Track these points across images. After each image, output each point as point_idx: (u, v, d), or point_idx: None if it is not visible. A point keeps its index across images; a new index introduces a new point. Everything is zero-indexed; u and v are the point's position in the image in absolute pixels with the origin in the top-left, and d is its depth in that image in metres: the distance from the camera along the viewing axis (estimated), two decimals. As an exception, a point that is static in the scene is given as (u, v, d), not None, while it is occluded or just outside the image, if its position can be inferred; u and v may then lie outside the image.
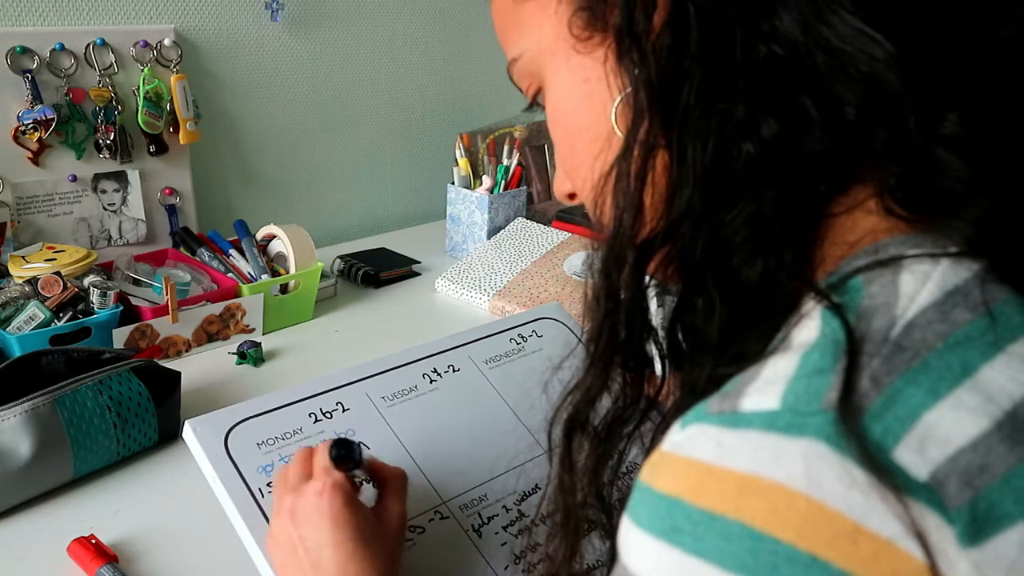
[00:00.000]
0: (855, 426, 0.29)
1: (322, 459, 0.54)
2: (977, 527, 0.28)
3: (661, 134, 0.38)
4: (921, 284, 0.32)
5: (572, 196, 0.50)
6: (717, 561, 0.29)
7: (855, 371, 0.30)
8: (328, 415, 0.65)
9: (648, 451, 0.47)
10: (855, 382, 0.30)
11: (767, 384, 0.31)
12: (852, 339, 0.31)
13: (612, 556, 0.48)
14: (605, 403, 0.45)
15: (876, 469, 0.28)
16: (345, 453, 0.53)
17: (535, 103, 0.48)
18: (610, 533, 0.47)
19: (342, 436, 0.55)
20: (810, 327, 0.33)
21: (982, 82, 0.35)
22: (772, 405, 0.30)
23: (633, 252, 0.40)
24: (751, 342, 0.37)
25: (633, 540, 0.32)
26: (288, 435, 0.62)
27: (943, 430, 0.29)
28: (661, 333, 0.43)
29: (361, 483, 0.57)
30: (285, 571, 0.53)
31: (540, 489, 0.67)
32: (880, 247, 0.35)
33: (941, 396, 0.29)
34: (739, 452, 0.30)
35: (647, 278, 0.41)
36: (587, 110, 0.43)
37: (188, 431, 0.60)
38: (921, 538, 0.27)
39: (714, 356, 0.40)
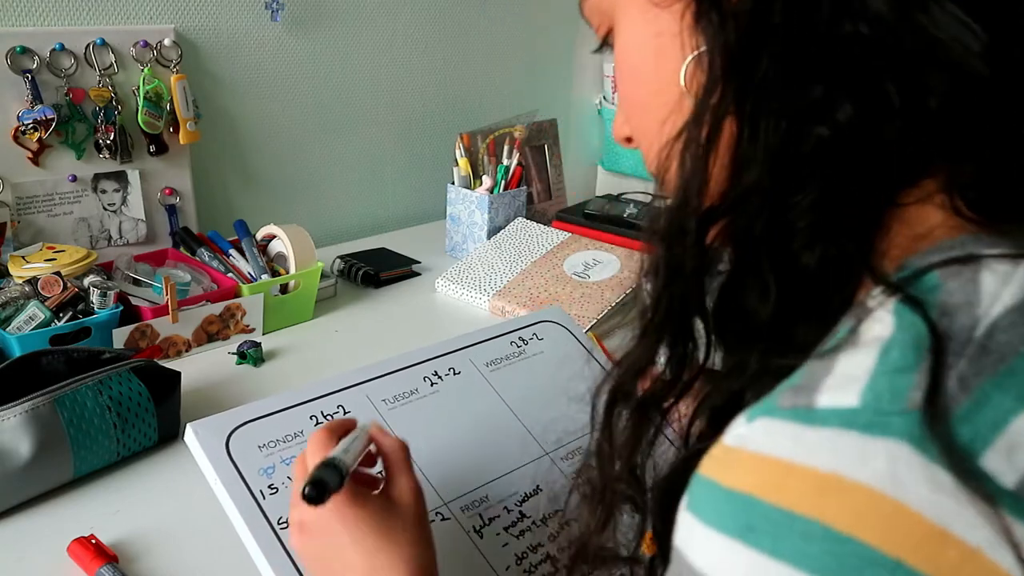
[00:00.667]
0: (942, 429, 0.28)
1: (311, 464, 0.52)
2: None
3: (733, 104, 0.36)
4: (1002, 284, 0.31)
5: (629, 140, 0.48)
6: (797, 563, 0.28)
7: (941, 371, 0.29)
8: (329, 417, 0.65)
9: (688, 429, 0.46)
10: (941, 382, 0.29)
11: (845, 380, 0.30)
12: (936, 337, 0.30)
13: (640, 532, 0.47)
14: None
15: (964, 474, 0.27)
16: (316, 495, 0.47)
17: (605, 43, 0.46)
18: (639, 508, 0.46)
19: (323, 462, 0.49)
20: (883, 321, 0.32)
21: None
22: (851, 402, 0.29)
23: (695, 222, 0.38)
24: (804, 331, 0.36)
25: (699, 538, 0.30)
26: (289, 437, 0.63)
27: None
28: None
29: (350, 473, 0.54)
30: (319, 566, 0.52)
31: (541, 490, 0.68)
32: (955, 244, 0.34)
33: None
34: (818, 450, 0.29)
35: (707, 250, 0.39)
36: (657, 65, 0.41)
37: (190, 434, 0.60)
38: (1015, 548, 0.26)
39: (764, 341, 0.39)
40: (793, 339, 0.36)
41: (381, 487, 0.54)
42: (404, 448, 0.55)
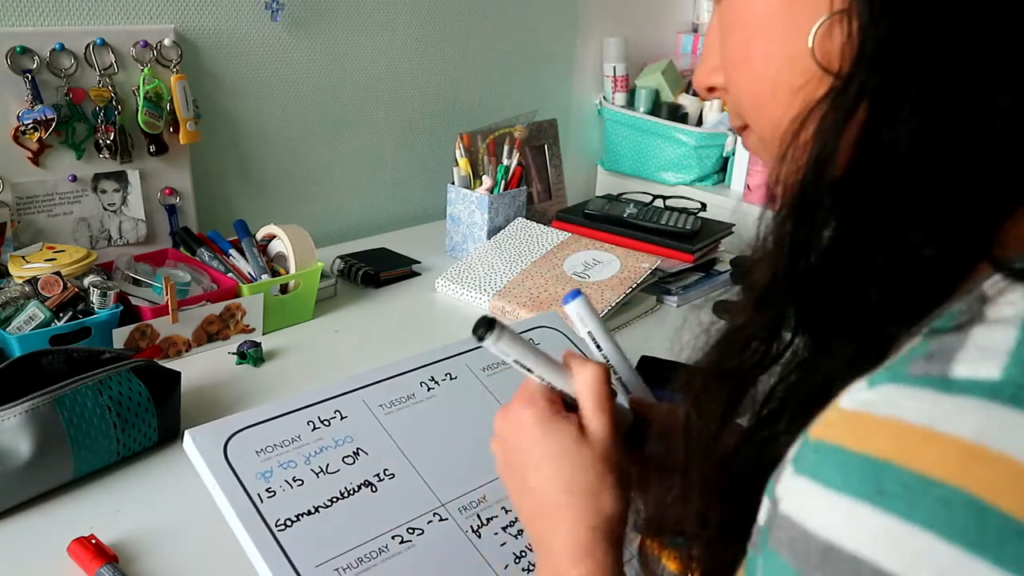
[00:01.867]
0: None
1: (528, 384, 0.54)
2: None
3: (882, 85, 0.34)
4: None
5: (712, 90, 0.46)
6: (934, 528, 0.27)
7: None
8: (326, 423, 0.66)
9: (760, 410, 0.44)
10: None
11: (983, 353, 0.29)
12: None
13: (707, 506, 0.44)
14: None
15: None
16: (483, 331, 0.50)
17: None
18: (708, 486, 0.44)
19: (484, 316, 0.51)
20: (1015, 304, 0.31)
21: None
22: (992, 375, 0.29)
23: (828, 198, 0.36)
24: (904, 318, 0.35)
25: (821, 503, 0.29)
26: (287, 443, 0.63)
27: None
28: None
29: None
30: (509, 486, 0.54)
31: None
32: None
33: None
34: (960, 418, 0.28)
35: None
36: (784, 21, 0.38)
37: (188, 441, 0.61)
38: None
39: (863, 325, 0.37)
40: (891, 325, 0.35)
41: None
42: (602, 379, 0.53)
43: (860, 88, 0.35)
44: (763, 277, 0.39)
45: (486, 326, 0.50)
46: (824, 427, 0.31)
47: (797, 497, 0.30)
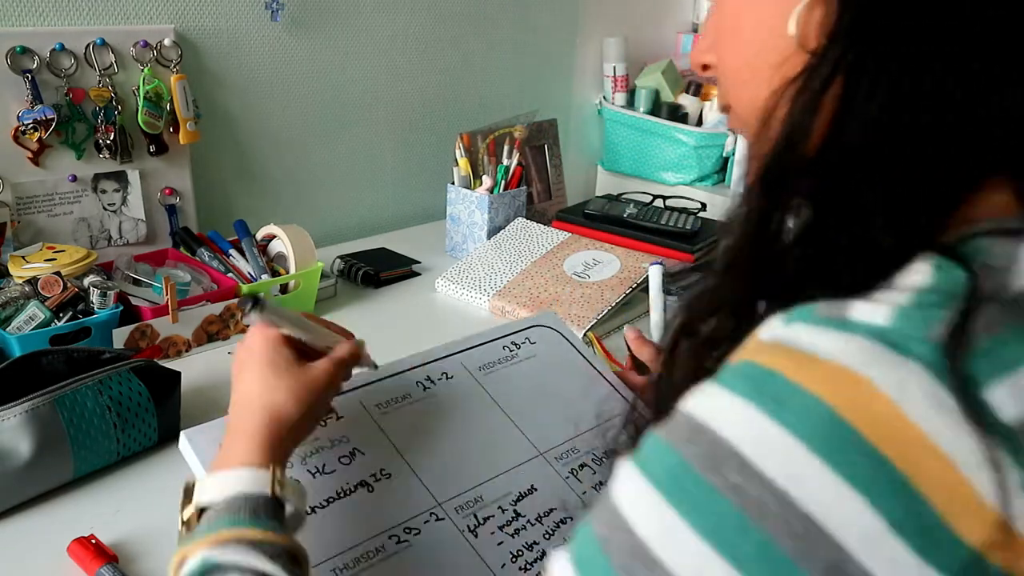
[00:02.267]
0: (957, 360, 0.30)
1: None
2: None
3: (854, 63, 0.36)
4: None
5: (706, 68, 0.48)
6: (791, 427, 0.31)
7: (970, 313, 0.32)
8: (322, 423, 0.66)
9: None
10: (967, 323, 0.31)
11: (879, 304, 0.33)
12: (973, 285, 0.33)
13: None
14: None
15: (966, 401, 0.30)
16: (252, 305, 0.59)
17: None
18: None
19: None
20: (922, 272, 0.35)
21: None
22: (882, 322, 0.32)
23: (797, 173, 0.39)
24: (852, 285, 0.37)
25: (710, 395, 0.33)
26: None
27: None
28: None
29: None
30: (232, 383, 0.61)
31: (536, 490, 0.68)
32: (1004, 221, 0.36)
33: None
34: (842, 350, 0.32)
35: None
36: (768, 2, 0.41)
37: (183, 441, 0.61)
38: (996, 473, 0.29)
39: (816, 287, 0.39)
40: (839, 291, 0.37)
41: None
42: (351, 350, 0.63)
43: (834, 64, 0.37)
44: (733, 245, 0.42)
45: (252, 303, 0.58)
46: (740, 352, 0.35)
47: (694, 396, 0.35)
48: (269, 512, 0.50)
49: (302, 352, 0.61)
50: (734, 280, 0.43)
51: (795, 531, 0.30)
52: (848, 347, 0.32)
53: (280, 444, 0.55)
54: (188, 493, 0.53)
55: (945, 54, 0.35)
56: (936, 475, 0.29)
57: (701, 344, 0.45)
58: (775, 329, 0.35)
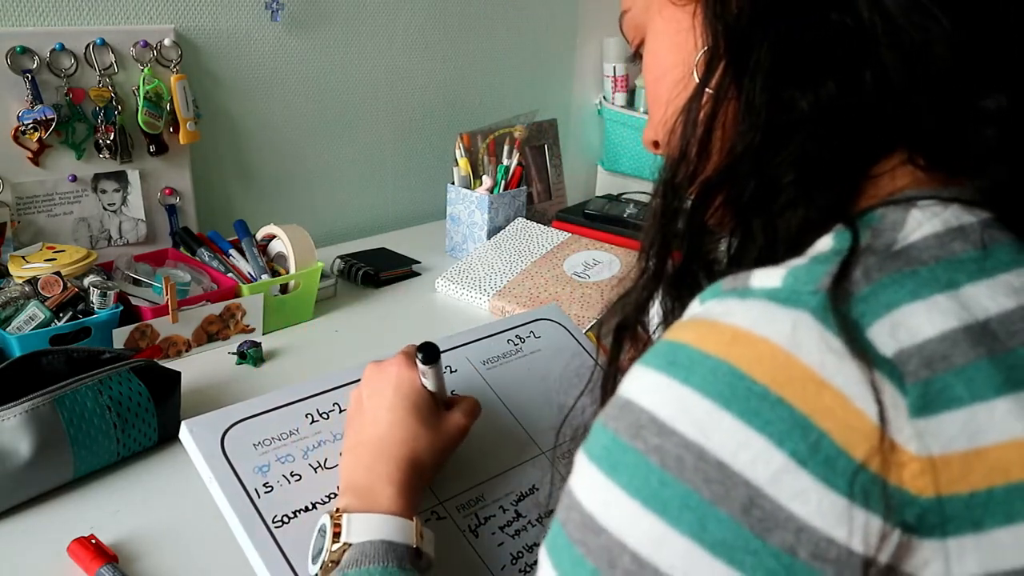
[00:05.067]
0: (840, 305, 0.34)
1: (408, 349, 0.63)
2: (927, 402, 0.33)
3: (732, 80, 0.42)
4: (928, 219, 0.38)
5: (656, 145, 0.53)
6: (701, 389, 0.34)
7: (851, 265, 0.36)
8: (325, 416, 0.66)
9: None
10: (849, 272, 0.35)
11: (775, 269, 0.37)
12: (856, 241, 0.37)
13: None
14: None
15: (850, 340, 0.33)
16: (425, 356, 0.60)
17: (638, 54, 0.53)
18: None
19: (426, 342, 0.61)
20: (824, 241, 0.39)
21: None
22: (775, 284, 0.36)
23: (692, 183, 0.45)
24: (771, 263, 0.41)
25: (635, 375, 0.37)
26: (284, 436, 0.63)
27: (915, 322, 0.34)
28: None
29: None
30: (350, 423, 0.62)
31: (537, 489, 0.68)
32: (902, 194, 0.40)
33: (920, 297, 0.35)
34: (741, 314, 0.35)
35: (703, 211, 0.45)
36: (673, 57, 0.48)
37: (184, 432, 0.60)
38: (878, 402, 0.32)
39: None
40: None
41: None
42: (477, 405, 0.65)
43: (705, 85, 0.43)
44: (644, 244, 0.48)
45: (428, 353, 0.60)
46: (665, 333, 0.39)
47: (625, 379, 0.38)
48: (412, 562, 0.54)
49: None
50: (649, 280, 0.48)
51: (711, 477, 0.33)
52: (745, 310, 0.35)
53: (418, 493, 0.59)
54: (331, 524, 0.55)
55: (812, 43, 0.40)
56: (832, 409, 0.32)
57: (646, 343, 0.49)
58: (692, 309, 0.39)
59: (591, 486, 0.36)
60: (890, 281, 0.35)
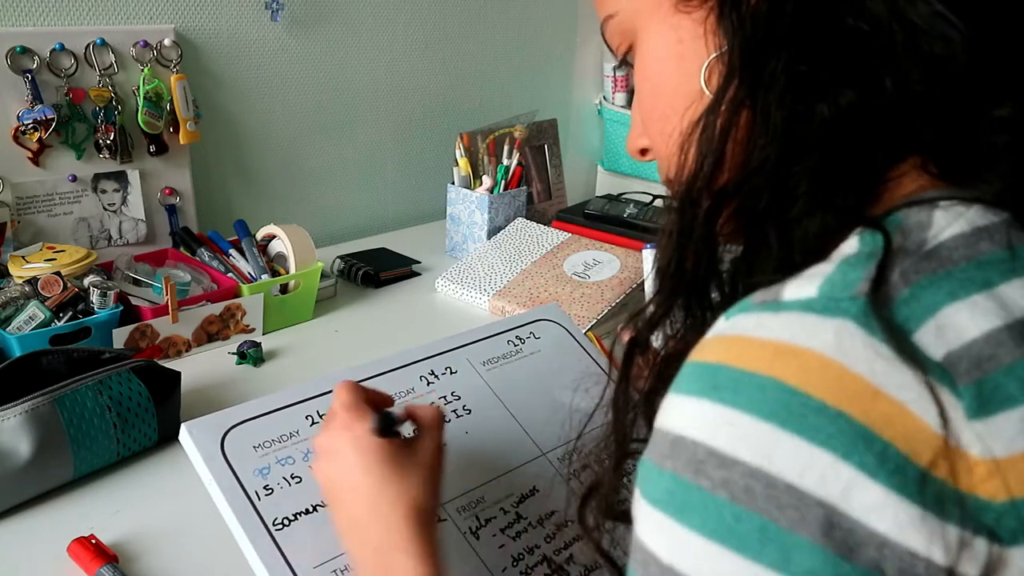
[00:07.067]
0: (883, 310, 0.33)
1: (346, 399, 0.57)
2: (982, 402, 0.32)
3: (748, 93, 0.41)
4: (953, 219, 0.37)
5: (644, 152, 0.52)
6: (752, 410, 0.33)
7: (887, 268, 0.35)
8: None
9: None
10: (887, 276, 0.35)
11: (807, 279, 0.36)
12: (888, 243, 0.36)
13: None
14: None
15: (899, 345, 0.32)
16: (383, 428, 0.56)
17: (624, 62, 0.51)
18: None
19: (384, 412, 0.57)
20: (849, 244, 0.38)
21: None
22: (810, 293, 0.35)
23: (709, 197, 0.43)
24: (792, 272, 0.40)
25: (674, 405, 0.35)
26: (285, 437, 0.63)
27: (959, 322, 0.34)
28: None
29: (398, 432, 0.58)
30: (332, 504, 0.56)
31: (538, 491, 0.68)
32: (922, 195, 0.39)
33: (960, 298, 0.34)
34: (779, 328, 0.34)
35: (716, 223, 0.44)
36: (678, 68, 0.46)
37: (184, 434, 0.60)
38: (937, 405, 0.31)
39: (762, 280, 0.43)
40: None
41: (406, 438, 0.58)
42: (439, 414, 0.59)
43: (722, 99, 0.41)
44: (660, 262, 0.46)
45: (383, 424, 0.56)
46: (692, 353, 0.37)
47: (663, 409, 0.36)
48: None
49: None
50: (666, 297, 0.46)
51: (783, 503, 0.31)
52: (782, 323, 0.34)
53: (434, 536, 0.54)
54: None
55: (825, 56, 0.39)
56: (890, 417, 0.31)
57: (654, 357, 0.48)
58: (718, 326, 0.37)
59: (662, 534, 0.34)
60: (928, 283, 0.35)
